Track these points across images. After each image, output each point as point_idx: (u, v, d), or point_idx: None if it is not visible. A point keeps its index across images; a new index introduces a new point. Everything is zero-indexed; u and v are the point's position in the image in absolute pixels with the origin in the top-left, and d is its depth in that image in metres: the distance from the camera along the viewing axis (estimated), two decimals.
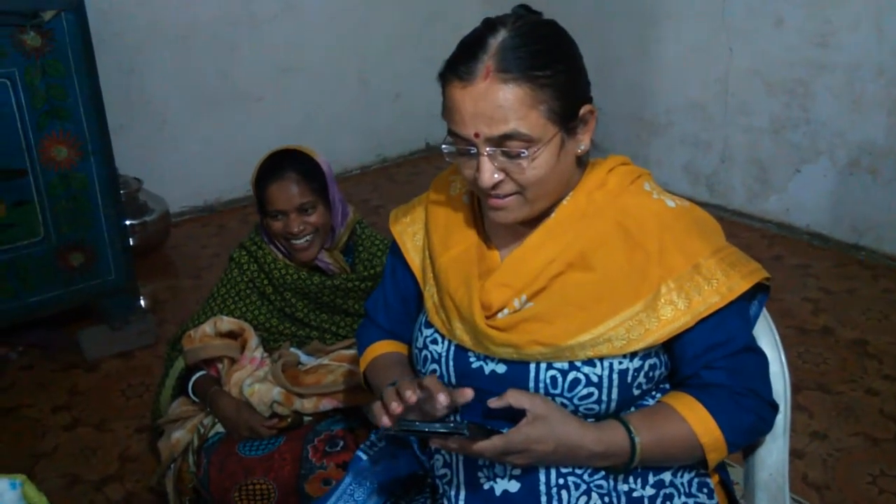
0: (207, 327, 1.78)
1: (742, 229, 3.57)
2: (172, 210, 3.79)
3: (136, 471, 2.22)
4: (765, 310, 1.17)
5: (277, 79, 4.16)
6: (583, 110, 1.06)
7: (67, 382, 2.65)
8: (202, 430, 1.74)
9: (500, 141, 1.00)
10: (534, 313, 1.06)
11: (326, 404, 1.67)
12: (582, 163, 1.12)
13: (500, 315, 1.09)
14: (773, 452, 1.14)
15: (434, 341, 1.17)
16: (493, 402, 1.01)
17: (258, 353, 1.77)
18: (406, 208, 1.32)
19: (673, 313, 1.03)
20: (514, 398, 1.01)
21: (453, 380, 1.14)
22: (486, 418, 1.08)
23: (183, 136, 3.94)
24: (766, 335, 1.18)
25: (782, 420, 1.13)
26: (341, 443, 1.61)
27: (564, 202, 1.10)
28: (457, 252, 1.16)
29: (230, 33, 3.95)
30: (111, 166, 2.68)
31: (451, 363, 1.14)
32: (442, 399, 1.01)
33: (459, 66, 1.01)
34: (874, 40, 3.04)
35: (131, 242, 3.37)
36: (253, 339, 1.77)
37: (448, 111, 1.04)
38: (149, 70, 3.75)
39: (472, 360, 1.12)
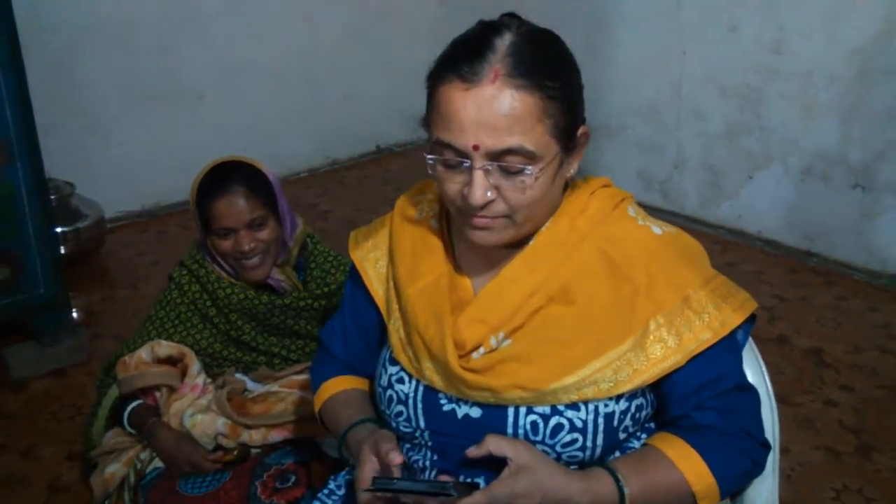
0: (144, 353, 1.64)
1: (695, 235, 3.52)
2: (108, 215, 3.58)
3: (66, 502, 2.05)
4: (750, 338, 1.10)
5: (221, 77, 3.98)
6: (580, 131, 0.97)
7: None
8: (139, 465, 1.60)
9: (499, 155, 0.90)
10: (512, 353, 0.97)
11: (276, 436, 1.55)
12: (564, 186, 1.03)
13: (474, 355, 0.99)
14: (763, 493, 1.07)
15: (400, 380, 1.06)
16: (472, 452, 0.92)
17: (200, 379, 1.64)
18: (367, 231, 1.20)
19: (663, 352, 0.95)
20: (494, 445, 0.91)
21: (422, 423, 1.04)
22: (460, 467, 0.98)
23: (120, 136, 3.73)
24: (751, 365, 1.11)
25: (771, 458, 1.06)
26: (293, 478, 1.49)
27: (544, 229, 1.01)
28: (426, 283, 1.05)
29: (171, 29, 3.75)
30: (39, 171, 2.48)
31: (419, 405, 1.03)
32: (365, 478, 0.95)
33: (462, 65, 0.89)
34: (827, 47, 3.04)
35: (63, 251, 3.19)
36: (194, 365, 1.64)
37: (441, 117, 0.92)
38: (84, 67, 3.54)
39: (443, 402, 1.02)
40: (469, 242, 1.01)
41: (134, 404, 1.65)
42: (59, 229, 3.14)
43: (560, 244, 1.00)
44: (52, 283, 2.60)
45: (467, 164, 0.92)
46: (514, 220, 0.96)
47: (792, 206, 3.34)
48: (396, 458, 0.95)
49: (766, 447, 1.01)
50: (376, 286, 1.14)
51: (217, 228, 1.61)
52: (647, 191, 3.86)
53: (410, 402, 1.04)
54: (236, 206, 1.59)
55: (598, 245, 1.00)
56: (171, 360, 1.66)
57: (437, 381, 1.01)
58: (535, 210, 0.96)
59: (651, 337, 0.95)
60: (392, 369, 1.08)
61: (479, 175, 0.91)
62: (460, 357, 0.99)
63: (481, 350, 0.99)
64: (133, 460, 1.63)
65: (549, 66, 0.91)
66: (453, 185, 0.95)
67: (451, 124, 0.90)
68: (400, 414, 1.05)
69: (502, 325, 0.98)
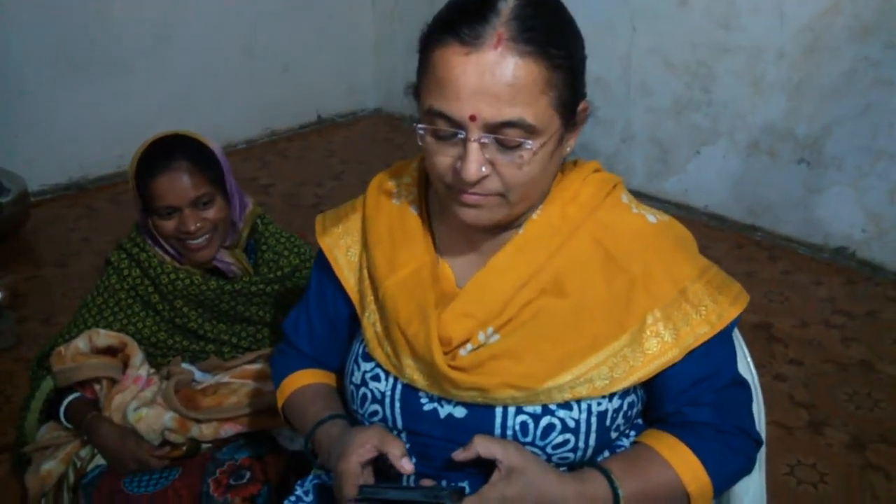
0: (81, 343, 1.51)
1: None
2: (32, 189, 3.39)
3: None
4: (736, 329, 1.06)
5: (153, 45, 3.77)
6: (581, 106, 0.90)
7: None
8: (79, 464, 1.49)
9: (497, 128, 0.82)
10: (502, 349, 0.90)
11: (228, 430, 1.46)
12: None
13: (461, 352, 0.92)
14: (750, 489, 1.04)
15: (375, 378, 0.98)
16: (460, 455, 0.86)
17: (143, 370, 1.53)
18: (335, 216, 1.11)
19: (659, 347, 0.90)
20: (483, 447, 0.85)
21: (399, 423, 0.96)
22: (442, 471, 0.92)
23: (44, 106, 3.50)
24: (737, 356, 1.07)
25: (759, 453, 1.02)
26: (248, 474, 1.41)
27: (534, 216, 0.94)
28: (406, 273, 0.97)
29: None
30: None
31: (397, 405, 0.96)
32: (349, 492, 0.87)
33: (461, 26, 0.81)
34: (776, 24, 3.05)
35: None
36: (136, 356, 1.52)
37: (435, 83, 0.83)
38: (4, 34, 3.30)
39: (423, 401, 0.95)
40: (452, 229, 0.94)
41: (71, 397, 1.53)
42: None
43: (552, 233, 0.93)
44: None
45: (461, 136, 0.84)
46: (507, 198, 0.88)
47: (738, 181, 3.37)
48: (408, 466, 0.88)
49: (759, 443, 0.98)
50: (347, 276, 1.06)
51: (159, 207, 1.48)
52: None
53: (387, 400, 0.97)
54: (179, 182, 1.47)
55: (592, 234, 0.94)
56: (110, 351, 1.54)
57: (419, 380, 0.94)
58: (531, 189, 0.89)
59: (647, 331, 0.90)
60: (366, 366, 1.00)
61: (473, 148, 0.83)
62: (446, 354, 0.92)
63: (468, 346, 0.92)
64: (71, 457, 1.51)
65: (555, 33, 0.83)
66: (444, 158, 0.87)
67: (447, 91, 0.82)
68: (375, 413, 0.98)
69: (491, 320, 0.92)
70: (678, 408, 0.94)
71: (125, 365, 1.53)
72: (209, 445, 1.48)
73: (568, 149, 0.93)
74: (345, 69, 4.57)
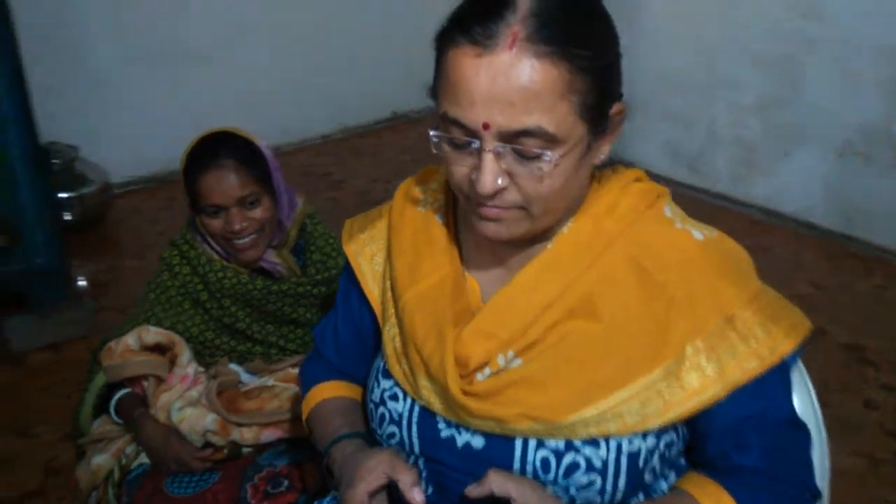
0: (130, 339, 1.52)
1: (726, 214, 3.36)
2: (114, 180, 3.49)
3: (62, 486, 1.98)
4: (799, 362, 0.95)
5: (228, 37, 3.82)
6: (614, 109, 0.82)
7: None
8: (124, 460, 1.50)
9: (513, 137, 0.76)
10: (523, 375, 0.83)
11: (269, 435, 1.44)
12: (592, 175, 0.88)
13: (479, 376, 0.85)
14: None
15: (394, 397, 0.93)
16: (472, 491, 0.80)
17: (191, 369, 1.52)
18: (363, 221, 1.06)
19: (700, 382, 0.80)
20: (497, 484, 0.79)
21: (416, 448, 0.91)
22: None
23: (125, 97, 3.60)
24: (799, 392, 0.96)
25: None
26: (286, 482, 1.38)
27: (566, 230, 0.87)
28: (428, 285, 0.91)
29: None
30: (34, 134, 2.38)
31: (413, 428, 0.90)
32: None
33: (474, 25, 0.74)
34: (870, 13, 2.82)
35: (68, 218, 3.11)
36: (184, 354, 1.52)
37: (448, 87, 0.77)
38: (83, 24, 3.41)
39: (441, 427, 0.89)
40: (479, 240, 0.87)
41: (121, 393, 1.54)
42: (62, 195, 3.05)
43: (583, 249, 0.85)
44: (53, 251, 2.52)
45: (476, 145, 0.77)
46: (529, 212, 0.81)
47: (830, 186, 3.15)
48: (418, 497, 0.82)
49: (817, 497, 0.87)
50: (371, 285, 1.01)
51: (205, 206, 1.48)
52: (675, 165, 3.67)
53: (404, 423, 0.91)
54: (226, 181, 1.46)
55: (628, 251, 0.85)
56: (159, 348, 1.54)
57: (435, 403, 0.88)
58: (555, 202, 0.82)
59: (687, 363, 0.81)
60: (385, 383, 0.95)
61: (489, 159, 0.76)
62: (462, 377, 0.85)
63: (486, 371, 0.85)
64: (120, 453, 1.53)
65: (580, 30, 0.75)
66: (461, 168, 0.80)
67: (459, 97, 0.75)
68: (392, 435, 0.92)
69: (513, 342, 0.84)
70: (723, 450, 0.84)
71: (172, 363, 1.53)
72: (250, 449, 1.46)
73: (602, 156, 0.85)
74: (420, 62, 4.51)
